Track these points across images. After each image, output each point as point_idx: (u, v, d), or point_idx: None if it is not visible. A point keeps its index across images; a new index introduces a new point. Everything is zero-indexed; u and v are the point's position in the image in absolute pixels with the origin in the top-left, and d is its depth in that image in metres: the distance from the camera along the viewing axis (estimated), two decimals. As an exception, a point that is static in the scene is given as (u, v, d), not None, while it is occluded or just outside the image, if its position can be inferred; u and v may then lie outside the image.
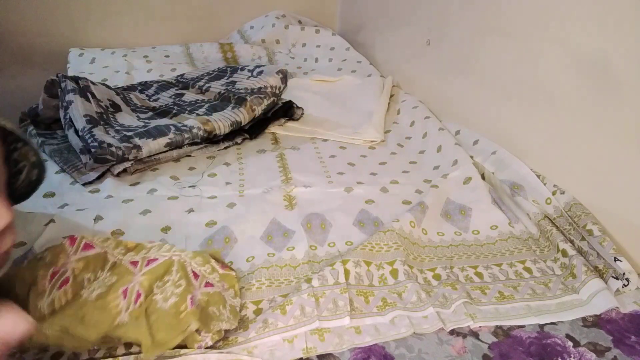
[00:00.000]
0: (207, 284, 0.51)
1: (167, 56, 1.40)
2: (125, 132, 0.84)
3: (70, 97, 0.86)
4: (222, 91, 1.07)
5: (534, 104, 0.78)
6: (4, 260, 0.32)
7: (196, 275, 0.50)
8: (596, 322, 0.55)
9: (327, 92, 1.20)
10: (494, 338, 0.53)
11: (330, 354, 0.50)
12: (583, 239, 0.66)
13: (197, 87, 1.12)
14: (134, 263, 0.49)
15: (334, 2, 1.69)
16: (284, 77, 1.18)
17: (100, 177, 0.79)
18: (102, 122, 0.85)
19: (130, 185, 0.79)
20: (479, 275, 0.63)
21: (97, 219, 0.69)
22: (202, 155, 0.91)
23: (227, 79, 1.15)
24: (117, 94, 1.00)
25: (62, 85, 0.89)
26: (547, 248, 0.68)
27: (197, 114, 0.97)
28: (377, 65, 1.38)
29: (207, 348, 0.48)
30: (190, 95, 1.10)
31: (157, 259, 0.50)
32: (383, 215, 0.73)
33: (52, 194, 0.75)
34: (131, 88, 1.13)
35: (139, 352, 0.48)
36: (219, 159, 0.90)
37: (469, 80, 0.96)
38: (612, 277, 0.60)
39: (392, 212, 0.74)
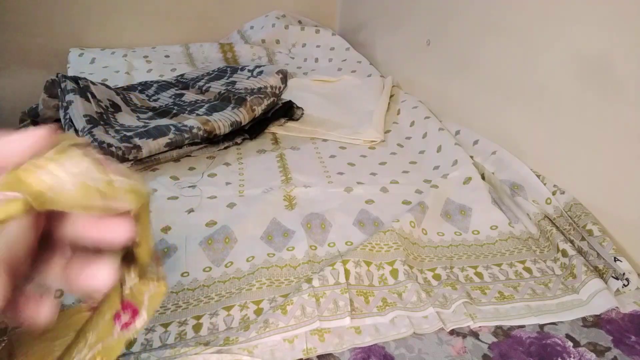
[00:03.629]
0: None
1: (167, 56, 1.41)
2: (125, 132, 0.84)
3: (70, 97, 0.86)
4: (222, 91, 1.07)
5: (534, 104, 0.78)
6: None
7: None
8: (596, 322, 0.55)
9: (327, 92, 1.20)
10: (494, 338, 0.53)
11: (330, 354, 0.50)
12: (583, 239, 0.66)
13: (197, 87, 1.12)
14: None
15: (334, 2, 1.70)
16: (284, 77, 1.18)
17: (100, 177, 0.79)
18: (102, 122, 0.85)
19: (130, 185, 0.79)
20: (479, 275, 0.63)
21: (97, 219, 0.68)
22: (202, 155, 0.91)
23: (227, 79, 1.15)
24: (117, 94, 1.00)
25: (62, 85, 0.89)
26: (547, 248, 0.68)
27: (197, 114, 0.97)
28: (377, 65, 1.38)
29: (205, 345, 0.48)
30: (190, 95, 1.10)
31: None
32: (383, 215, 0.73)
33: (52, 194, 0.74)
34: (131, 88, 1.13)
35: (140, 352, 0.48)
36: (219, 159, 0.90)
37: (469, 80, 0.96)
38: (612, 277, 0.60)
39: (392, 212, 0.74)
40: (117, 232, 0.22)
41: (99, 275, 0.22)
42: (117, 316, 0.29)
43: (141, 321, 0.29)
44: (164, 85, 1.15)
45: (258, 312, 0.55)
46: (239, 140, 0.96)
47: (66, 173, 0.21)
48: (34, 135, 0.21)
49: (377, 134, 0.99)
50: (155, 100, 1.08)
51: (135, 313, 0.29)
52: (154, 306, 0.29)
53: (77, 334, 0.30)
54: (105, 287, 0.23)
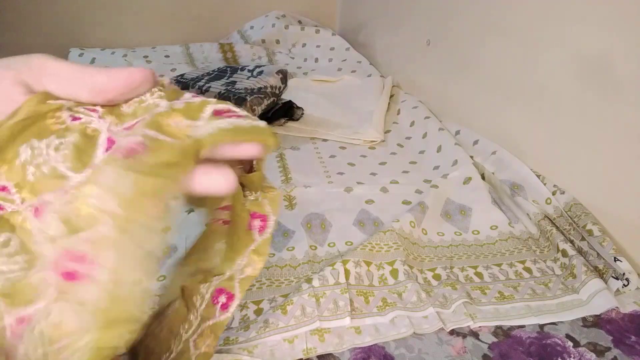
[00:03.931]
0: None
1: (167, 56, 1.41)
2: (125, 132, 0.83)
3: (70, 97, 0.86)
4: (222, 91, 1.07)
5: (534, 104, 0.78)
6: None
7: None
8: (596, 322, 0.55)
9: (327, 92, 1.20)
10: (494, 338, 0.53)
11: (330, 354, 0.50)
12: (583, 239, 0.66)
13: (197, 87, 1.12)
14: None
15: (334, 2, 1.70)
16: (284, 77, 1.18)
17: (100, 177, 0.79)
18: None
19: (130, 185, 0.79)
20: (479, 275, 0.63)
21: (97, 219, 0.68)
22: (202, 155, 0.91)
23: (227, 79, 1.15)
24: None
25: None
26: (547, 248, 0.68)
27: (197, 114, 0.97)
28: (377, 66, 1.38)
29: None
30: (190, 95, 1.10)
31: None
32: (383, 215, 0.74)
33: (52, 194, 0.74)
34: (131, 88, 1.13)
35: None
36: (219, 159, 0.90)
37: (469, 81, 0.96)
38: (612, 277, 0.60)
39: (392, 212, 0.74)
40: (249, 151, 0.25)
41: (222, 180, 0.25)
42: (250, 225, 0.33)
43: (272, 221, 0.33)
44: (164, 85, 1.15)
45: (258, 312, 0.55)
46: (239, 140, 0.96)
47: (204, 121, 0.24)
48: (130, 73, 0.23)
49: (377, 134, 0.99)
50: (155, 100, 1.08)
51: (264, 219, 0.33)
52: (277, 208, 0.34)
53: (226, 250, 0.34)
54: (226, 191, 0.25)
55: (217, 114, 0.25)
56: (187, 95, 0.26)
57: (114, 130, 0.23)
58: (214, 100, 0.25)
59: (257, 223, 0.33)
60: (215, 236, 0.35)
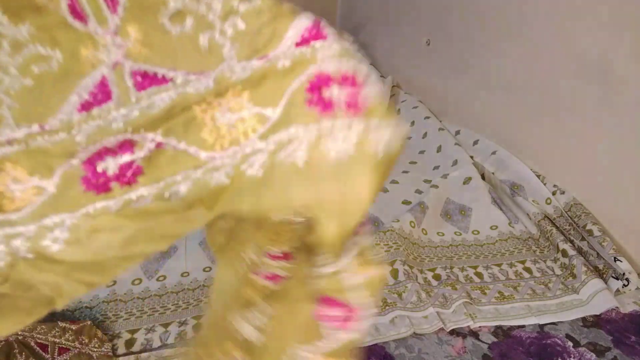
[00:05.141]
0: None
1: (167, 56, 1.40)
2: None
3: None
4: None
5: (535, 105, 0.78)
6: None
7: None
8: (596, 322, 0.55)
9: (327, 92, 1.20)
10: (494, 338, 0.53)
11: (330, 354, 0.50)
12: (583, 239, 0.66)
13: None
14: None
15: (334, 2, 1.69)
16: (284, 77, 1.17)
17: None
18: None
19: (130, 185, 0.79)
20: (479, 275, 0.63)
21: (97, 219, 0.69)
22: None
23: (227, 79, 1.15)
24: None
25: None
26: (547, 248, 0.68)
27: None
28: (377, 65, 1.38)
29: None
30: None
31: None
32: (383, 215, 0.73)
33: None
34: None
35: (140, 351, 0.48)
36: (219, 159, 0.90)
37: (469, 81, 0.96)
38: (612, 277, 0.60)
39: (392, 212, 0.74)
40: None
41: None
42: (318, 316, 0.23)
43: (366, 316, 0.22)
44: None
45: (258, 312, 0.55)
46: (239, 140, 0.96)
47: None
48: None
49: (377, 134, 0.99)
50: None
51: (349, 309, 0.21)
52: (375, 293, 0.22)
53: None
54: None
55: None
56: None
57: None
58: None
59: (333, 313, 0.22)
60: (249, 291, 0.26)
